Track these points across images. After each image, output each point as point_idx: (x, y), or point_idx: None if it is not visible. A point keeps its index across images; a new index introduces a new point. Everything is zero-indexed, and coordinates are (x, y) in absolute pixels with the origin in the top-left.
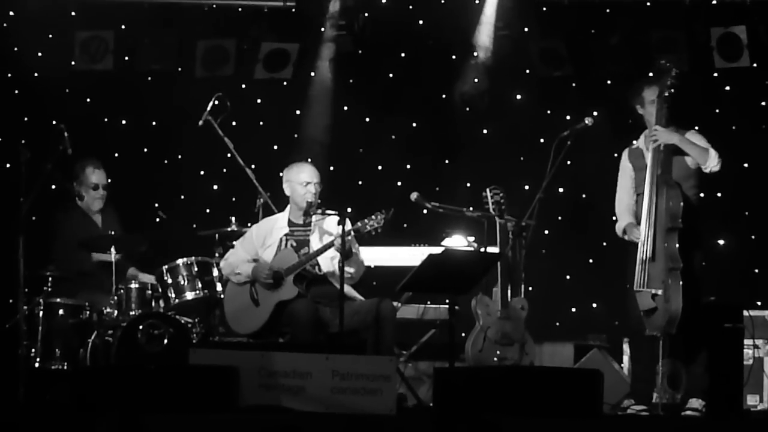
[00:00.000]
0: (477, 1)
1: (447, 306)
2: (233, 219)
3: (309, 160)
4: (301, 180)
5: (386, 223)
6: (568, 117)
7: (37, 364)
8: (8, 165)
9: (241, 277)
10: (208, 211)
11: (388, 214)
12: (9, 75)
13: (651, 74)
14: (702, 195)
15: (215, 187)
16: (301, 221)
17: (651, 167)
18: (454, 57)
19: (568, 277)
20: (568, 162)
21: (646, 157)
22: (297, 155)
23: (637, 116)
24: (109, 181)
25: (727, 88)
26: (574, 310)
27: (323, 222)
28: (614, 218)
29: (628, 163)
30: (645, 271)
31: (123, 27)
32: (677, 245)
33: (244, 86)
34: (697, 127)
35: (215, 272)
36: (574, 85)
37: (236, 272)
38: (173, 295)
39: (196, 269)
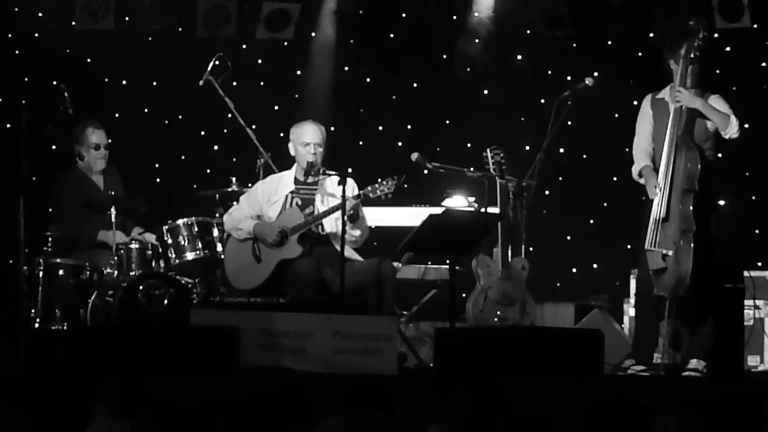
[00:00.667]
0: None
1: (448, 266)
2: (234, 179)
3: (310, 120)
4: (302, 140)
5: (396, 189)
6: (569, 78)
7: (37, 325)
8: (9, 125)
9: (242, 233)
10: (208, 171)
11: (399, 180)
12: (9, 35)
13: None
14: (719, 156)
15: (216, 147)
16: (307, 179)
17: (671, 127)
18: (455, 17)
19: (568, 237)
20: (569, 122)
21: (670, 110)
22: (298, 115)
23: (644, 75)
24: (110, 141)
25: (728, 48)
26: (575, 270)
27: (329, 182)
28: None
29: (650, 110)
30: (657, 231)
31: None
32: (692, 207)
33: (245, 46)
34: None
35: (216, 232)
36: (575, 45)
37: (238, 228)
38: (174, 256)
39: (196, 229)
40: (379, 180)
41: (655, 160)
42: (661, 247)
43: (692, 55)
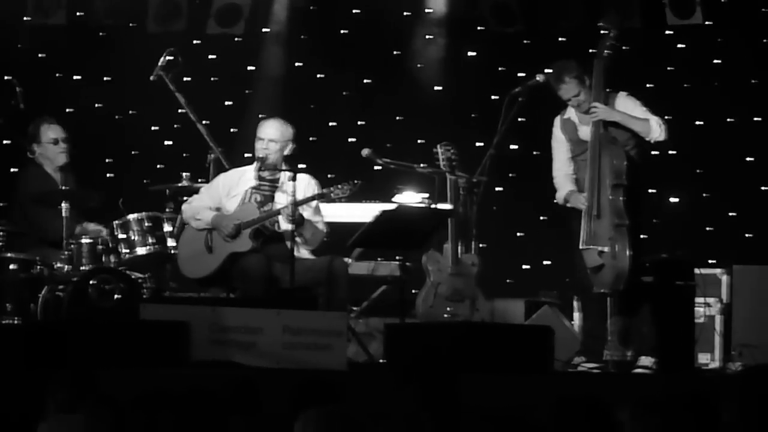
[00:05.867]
0: None
1: (398, 262)
2: (185, 174)
3: (261, 116)
4: (258, 135)
5: (351, 194)
6: (521, 74)
7: None
8: None
9: (200, 223)
10: (159, 166)
11: (356, 186)
12: None
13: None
14: (646, 152)
15: (167, 142)
16: (267, 176)
17: (592, 135)
18: (407, 14)
19: (519, 233)
20: (520, 119)
21: (579, 130)
22: (249, 111)
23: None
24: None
25: (680, 45)
26: (525, 266)
27: (290, 181)
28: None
29: (562, 134)
30: (591, 229)
31: None
32: (622, 200)
33: (196, 41)
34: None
35: (166, 227)
36: (526, 42)
37: (197, 218)
38: (125, 251)
39: (147, 224)
40: (338, 184)
41: (578, 174)
42: (596, 244)
43: (605, 54)
